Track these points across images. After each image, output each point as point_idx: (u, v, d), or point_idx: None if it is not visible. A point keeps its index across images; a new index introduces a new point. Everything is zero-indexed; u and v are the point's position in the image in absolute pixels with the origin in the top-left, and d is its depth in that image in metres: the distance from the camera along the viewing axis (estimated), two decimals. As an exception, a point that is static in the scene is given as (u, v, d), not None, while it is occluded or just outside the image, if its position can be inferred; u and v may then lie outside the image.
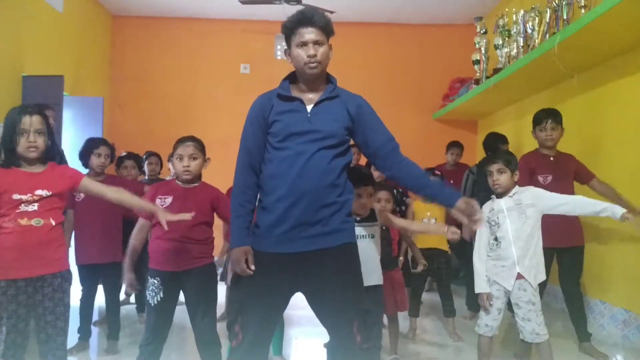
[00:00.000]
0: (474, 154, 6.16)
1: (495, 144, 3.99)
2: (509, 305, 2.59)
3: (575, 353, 3.17)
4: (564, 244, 2.98)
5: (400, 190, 3.71)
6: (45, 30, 4.72)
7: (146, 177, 4.27)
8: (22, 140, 2.01)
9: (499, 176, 2.51)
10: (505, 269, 2.47)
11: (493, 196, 2.59)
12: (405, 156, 1.94)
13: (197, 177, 2.42)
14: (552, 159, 3.12)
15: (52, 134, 2.13)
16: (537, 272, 2.47)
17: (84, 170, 3.05)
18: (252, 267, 1.80)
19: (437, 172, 3.60)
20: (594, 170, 3.31)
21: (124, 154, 3.84)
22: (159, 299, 2.29)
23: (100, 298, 3.23)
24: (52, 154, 2.13)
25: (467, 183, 4.17)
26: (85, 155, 3.12)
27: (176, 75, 6.33)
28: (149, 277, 2.32)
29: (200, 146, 2.41)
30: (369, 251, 2.31)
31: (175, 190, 2.38)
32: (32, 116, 2.03)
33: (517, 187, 2.54)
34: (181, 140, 2.39)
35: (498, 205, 2.53)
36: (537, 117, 3.16)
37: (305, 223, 1.78)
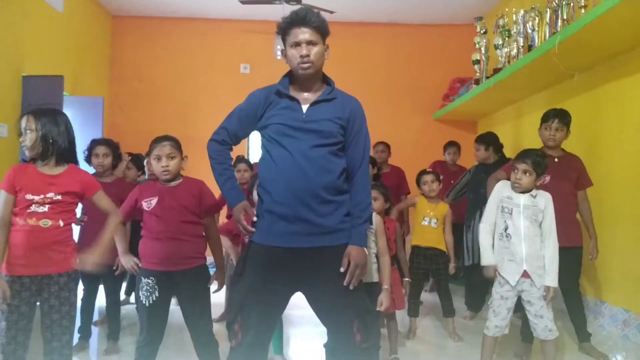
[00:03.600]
0: (474, 154, 6.16)
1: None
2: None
3: (575, 353, 3.17)
4: (562, 244, 2.97)
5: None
6: (45, 30, 4.72)
7: (146, 177, 4.27)
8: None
9: (523, 176, 2.50)
10: (512, 263, 2.48)
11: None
12: (361, 180, 1.89)
13: (177, 175, 2.41)
14: (556, 159, 3.10)
15: (50, 130, 2.11)
16: (542, 273, 2.49)
17: (92, 171, 3.10)
18: (254, 219, 1.85)
19: (428, 169, 3.59)
20: (594, 170, 3.30)
21: (128, 157, 3.85)
22: (154, 299, 2.28)
23: (100, 298, 3.23)
24: (48, 146, 2.11)
25: (462, 179, 4.29)
26: (88, 156, 3.16)
27: (176, 75, 6.34)
28: (141, 278, 2.31)
29: (177, 144, 2.40)
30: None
31: (160, 191, 2.37)
32: (23, 117, 2.12)
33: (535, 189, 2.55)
34: (157, 140, 2.38)
35: (517, 198, 2.53)
36: (545, 115, 3.13)
37: (304, 220, 1.78)
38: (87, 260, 2.11)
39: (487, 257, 2.54)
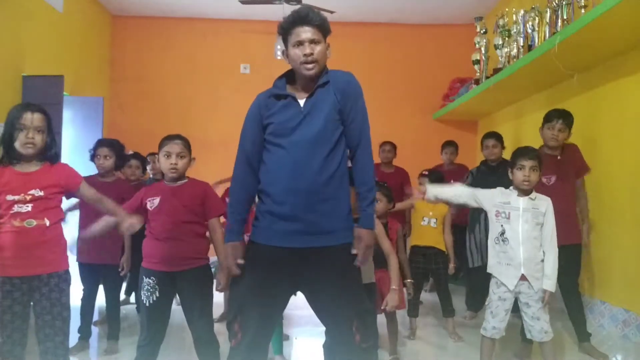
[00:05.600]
0: (474, 154, 6.16)
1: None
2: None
3: (575, 353, 3.17)
4: (560, 242, 2.98)
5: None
6: (45, 30, 4.72)
7: (151, 177, 4.29)
8: (20, 135, 2.03)
9: (532, 173, 2.49)
10: (510, 267, 2.47)
11: (512, 188, 2.58)
12: (363, 158, 1.88)
13: (183, 175, 2.41)
14: (559, 157, 3.10)
15: (53, 133, 2.13)
16: (540, 276, 2.48)
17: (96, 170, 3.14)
18: (240, 262, 1.84)
19: (424, 172, 3.58)
20: (594, 170, 3.30)
21: (130, 152, 3.84)
22: (154, 299, 2.28)
23: (100, 298, 3.23)
24: (52, 152, 2.13)
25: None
26: (92, 157, 3.16)
27: (176, 75, 6.34)
28: (143, 277, 2.31)
29: (188, 145, 2.41)
30: None
31: (163, 190, 2.38)
32: (34, 113, 2.05)
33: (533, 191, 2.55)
34: (169, 138, 2.38)
35: (516, 201, 2.52)
36: (549, 115, 3.12)
37: (304, 220, 1.78)
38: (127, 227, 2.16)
39: (431, 191, 2.66)
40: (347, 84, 1.87)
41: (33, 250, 2.03)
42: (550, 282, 2.48)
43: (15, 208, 2.01)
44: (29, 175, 2.06)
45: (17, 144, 2.03)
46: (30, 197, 2.03)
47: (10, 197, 2.01)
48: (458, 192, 2.70)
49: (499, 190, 2.61)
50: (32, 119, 2.03)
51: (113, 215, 2.24)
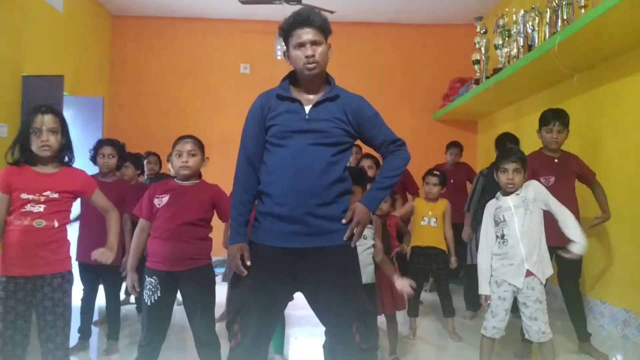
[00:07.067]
0: (474, 154, 6.18)
1: (505, 144, 4.00)
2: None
3: (576, 353, 3.17)
4: (563, 243, 2.99)
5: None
6: (45, 30, 4.72)
7: (145, 177, 4.28)
8: (35, 139, 2.05)
9: (515, 175, 2.49)
10: (513, 267, 2.47)
11: (498, 194, 2.59)
12: (399, 153, 1.93)
13: (196, 174, 2.42)
14: (556, 160, 3.10)
15: (68, 134, 2.15)
16: (544, 267, 2.49)
17: (95, 170, 3.15)
18: (248, 263, 1.82)
19: (436, 172, 3.59)
20: (594, 170, 3.30)
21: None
22: (155, 298, 2.28)
23: (100, 298, 3.23)
24: (67, 152, 2.15)
25: (476, 186, 4.08)
26: (93, 156, 3.18)
27: (176, 75, 6.34)
28: (146, 276, 2.32)
29: (199, 144, 2.42)
30: (360, 251, 2.29)
31: (173, 189, 2.38)
32: (45, 115, 2.06)
33: None
34: (180, 138, 2.41)
35: (505, 202, 2.52)
36: (545, 117, 3.11)
37: (304, 221, 1.78)
38: (104, 255, 2.13)
39: (484, 286, 2.56)
40: (357, 109, 1.89)
41: (38, 250, 2.04)
42: (579, 245, 2.43)
43: (28, 207, 2.03)
44: (46, 177, 2.08)
45: (34, 148, 2.06)
46: (44, 198, 2.04)
47: (24, 196, 2.03)
48: (490, 262, 2.59)
49: (489, 205, 2.63)
50: (44, 121, 2.05)
51: (108, 233, 2.25)
